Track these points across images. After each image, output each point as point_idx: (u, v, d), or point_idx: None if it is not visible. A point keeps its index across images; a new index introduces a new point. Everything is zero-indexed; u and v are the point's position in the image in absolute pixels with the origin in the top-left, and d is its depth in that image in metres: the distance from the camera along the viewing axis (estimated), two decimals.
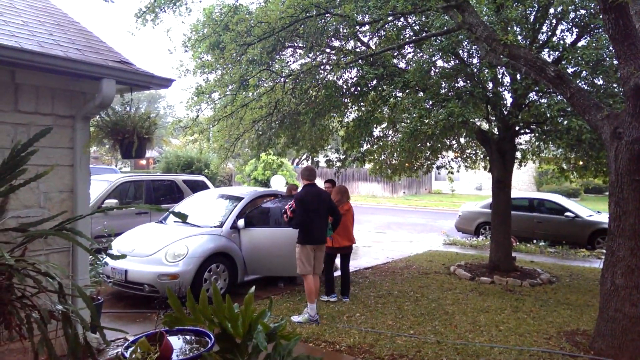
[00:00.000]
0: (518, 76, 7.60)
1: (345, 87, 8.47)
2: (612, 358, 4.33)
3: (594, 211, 11.90)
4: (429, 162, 10.93)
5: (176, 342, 2.97)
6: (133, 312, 5.77)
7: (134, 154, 3.85)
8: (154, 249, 6.13)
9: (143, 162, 42.56)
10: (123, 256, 3.42)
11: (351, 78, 8.51)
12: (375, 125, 8.79)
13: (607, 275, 4.53)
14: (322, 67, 7.89)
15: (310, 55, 7.97)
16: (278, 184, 16.05)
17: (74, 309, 2.79)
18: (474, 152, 10.98)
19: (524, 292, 6.97)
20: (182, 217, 3.54)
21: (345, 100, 8.66)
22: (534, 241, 11.34)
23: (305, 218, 5.58)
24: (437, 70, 7.93)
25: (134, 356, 2.35)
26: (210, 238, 6.44)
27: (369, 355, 4.50)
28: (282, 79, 6.82)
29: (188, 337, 3.13)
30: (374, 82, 8.21)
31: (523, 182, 28.99)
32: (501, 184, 8.17)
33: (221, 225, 6.71)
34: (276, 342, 1.51)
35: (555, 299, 6.64)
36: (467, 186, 30.74)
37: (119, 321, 5.54)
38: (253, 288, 1.73)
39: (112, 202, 8.00)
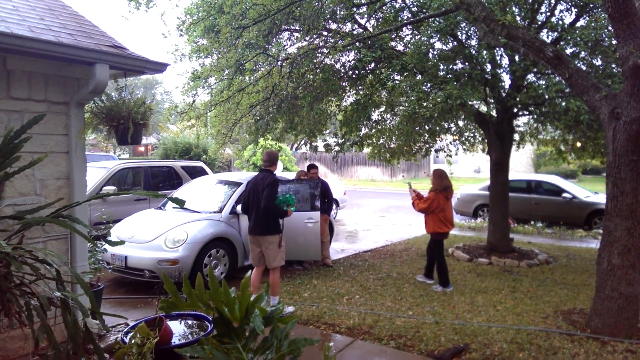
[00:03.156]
0: (516, 57, 7.54)
1: (343, 70, 8.39)
2: (608, 336, 4.38)
3: (591, 192, 11.94)
4: (427, 145, 10.92)
5: (177, 326, 3.00)
6: (134, 298, 5.82)
7: (129, 139, 3.83)
8: (153, 235, 6.15)
9: (141, 148, 42.44)
10: (121, 242, 3.42)
11: (349, 61, 8.44)
12: (373, 109, 8.75)
13: (603, 255, 4.56)
14: (319, 51, 7.81)
15: (307, 38, 7.87)
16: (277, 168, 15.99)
17: (73, 295, 2.80)
18: (472, 134, 10.96)
19: (522, 273, 7.03)
20: (180, 203, 3.53)
21: (344, 84, 8.59)
22: (532, 222, 11.40)
23: (245, 206, 5.35)
24: (435, 53, 7.85)
25: (133, 341, 2.37)
26: (209, 223, 6.45)
27: (369, 336, 4.55)
28: (279, 63, 6.74)
29: (189, 322, 3.17)
30: (372, 65, 8.15)
31: (521, 164, 28.98)
32: (499, 166, 8.17)
33: (220, 211, 6.71)
34: (273, 326, 1.51)
35: (552, 279, 6.70)
36: (466, 169, 30.75)
37: (120, 307, 5.58)
38: (249, 272, 1.74)
39: (110, 189, 7.99)
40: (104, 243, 4.99)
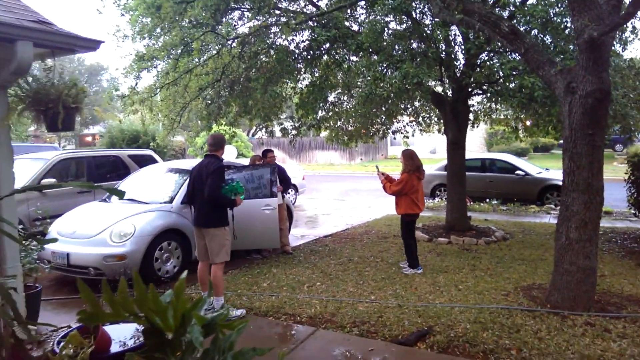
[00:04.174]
0: (470, 36, 7.49)
1: (297, 51, 8.09)
2: (567, 310, 4.42)
3: (542, 169, 12.29)
4: (384, 127, 10.86)
5: (118, 331, 2.70)
6: (77, 298, 5.37)
7: (60, 125, 3.42)
8: (97, 230, 5.71)
9: (89, 138, 40.43)
10: (54, 240, 3.05)
11: (303, 41, 8.14)
12: (329, 91, 8.53)
13: (561, 230, 4.58)
14: (271, 30, 7.47)
15: (259, 18, 7.50)
16: (229, 154, 15.36)
17: None
18: (428, 115, 10.99)
19: (480, 251, 7.09)
20: (119, 194, 3.18)
21: (299, 65, 8.29)
22: (487, 200, 11.62)
23: (189, 196, 4.91)
24: (390, 32, 7.69)
25: (64, 352, 2.07)
26: (159, 215, 6.07)
27: (331, 325, 4.39)
28: (229, 42, 6.34)
29: (134, 325, 2.86)
30: (327, 45, 7.88)
31: (474, 144, 29.75)
32: (456, 145, 8.19)
33: (171, 201, 6.33)
34: (216, 335, 1.28)
35: (510, 255, 6.79)
36: (422, 150, 31.23)
37: (63, 308, 5.17)
38: (185, 273, 1.48)
39: (50, 181, 7.40)
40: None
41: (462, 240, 7.63)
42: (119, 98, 6.60)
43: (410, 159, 6.02)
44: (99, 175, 8.29)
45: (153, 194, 6.55)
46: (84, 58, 43.04)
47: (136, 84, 6.51)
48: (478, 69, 7.77)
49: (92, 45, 3.77)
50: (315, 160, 30.42)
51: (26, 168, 7.59)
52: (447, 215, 8.48)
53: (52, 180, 7.43)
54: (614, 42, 6.54)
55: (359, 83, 7.96)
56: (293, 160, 30.18)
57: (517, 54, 7.26)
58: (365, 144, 26.01)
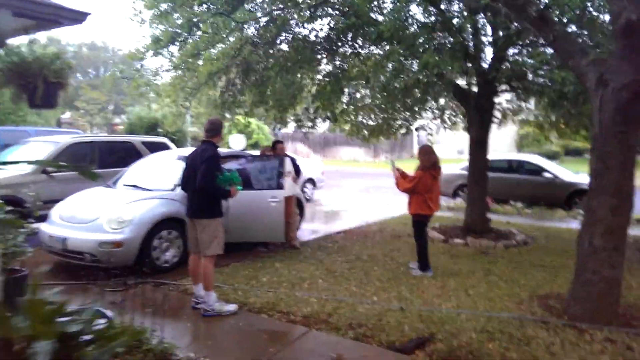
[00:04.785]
0: (500, 32, 7.01)
1: (316, 40, 7.76)
2: (587, 323, 3.99)
3: (572, 172, 11.62)
4: (407, 124, 10.45)
5: None
6: (67, 284, 5.19)
7: (39, 101, 3.24)
8: (95, 215, 5.58)
9: (121, 127, 41.24)
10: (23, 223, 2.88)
11: (321, 29, 7.80)
12: (347, 82, 8.20)
13: (585, 236, 4.15)
14: (289, 15, 7.15)
15: (279, 5, 7.21)
16: (237, 143, 14.96)
17: None
18: (454, 113, 10.51)
19: (498, 254, 6.65)
20: (93, 177, 3.04)
21: (318, 56, 7.98)
22: (512, 202, 11.06)
23: (183, 184, 4.60)
24: (412, 22, 7.29)
25: None
26: (161, 202, 5.89)
27: (326, 326, 4.10)
28: (240, 26, 6.04)
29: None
30: (346, 33, 7.54)
31: (504, 145, 28.77)
32: (478, 144, 7.74)
33: (175, 189, 6.14)
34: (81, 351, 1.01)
35: (529, 260, 6.33)
36: (450, 150, 30.43)
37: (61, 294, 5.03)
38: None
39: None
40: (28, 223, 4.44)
41: (479, 242, 7.20)
42: (124, 81, 6.44)
43: (427, 154, 5.64)
44: (111, 160, 8.19)
45: (157, 181, 6.39)
46: (119, 48, 43.73)
47: (141, 66, 6.34)
48: (506, 63, 7.30)
49: (78, 17, 3.55)
50: (339, 156, 30.10)
51: (36, 151, 7.57)
52: (466, 216, 8.04)
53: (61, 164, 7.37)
54: None
55: (377, 74, 7.58)
56: (317, 155, 29.94)
57: (548, 48, 6.86)
58: (391, 141, 25.53)
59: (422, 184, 5.48)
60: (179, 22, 6.71)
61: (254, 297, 4.78)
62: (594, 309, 4.04)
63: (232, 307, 4.46)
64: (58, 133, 12.66)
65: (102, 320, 2.74)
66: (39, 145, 7.77)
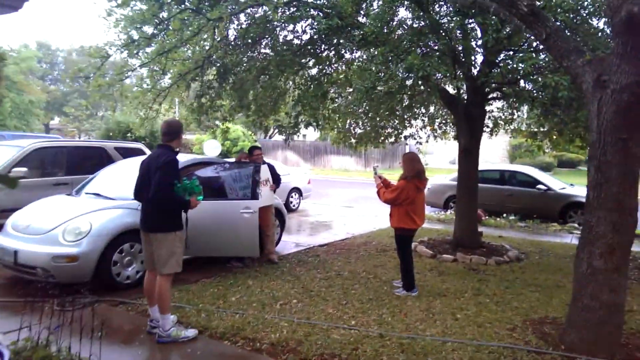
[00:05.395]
0: (490, 35, 6.65)
1: (300, 42, 7.36)
2: (585, 354, 3.57)
3: (566, 184, 11.28)
4: (396, 132, 10.08)
5: None
6: (16, 302, 4.68)
7: None
8: (51, 226, 5.09)
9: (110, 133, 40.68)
10: None
11: (304, 31, 7.41)
12: (330, 86, 7.81)
13: (582, 256, 3.73)
14: (266, 14, 6.75)
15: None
16: (212, 150, 14.35)
17: None
18: (444, 121, 10.16)
19: (489, 272, 6.22)
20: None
21: (302, 60, 7.58)
22: (504, 215, 10.68)
23: (136, 193, 4.14)
24: (398, 20, 6.93)
25: None
26: (124, 212, 5.40)
27: (294, 356, 3.63)
28: (215, 24, 5.60)
29: None
30: (328, 35, 7.15)
31: (497, 156, 28.52)
32: (467, 153, 7.33)
33: None
34: None
35: (522, 279, 5.90)
36: (441, 160, 30.16)
37: (2, 312, 4.53)
38: None
39: (22, 170, 6.87)
40: None
41: (469, 258, 6.77)
42: (84, 80, 5.97)
43: (410, 162, 5.18)
44: (80, 166, 7.73)
45: (122, 189, 5.89)
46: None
47: (102, 64, 5.87)
48: (497, 69, 6.94)
49: (14, 4, 3.14)
50: (330, 165, 29.70)
51: None
52: (455, 230, 7.61)
53: (24, 169, 6.89)
54: None
55: (360, 77, 7.20)
56: (307, 164, 29.54)
57: (541, 53, 6.52)
58: (383, 150, 25.18)
59: (405, 195, 5.03)
60: (145, 14, 6.22)
61: (217, 320, 4.30)
62: (594, 339, 3.61)
63: (190, 333, 3.98)
64: (35, 137, 12.16)
65: None
66: (2, 150, 7.29)
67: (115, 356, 3.59)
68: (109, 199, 5.68)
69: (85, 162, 7.84)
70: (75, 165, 7.73)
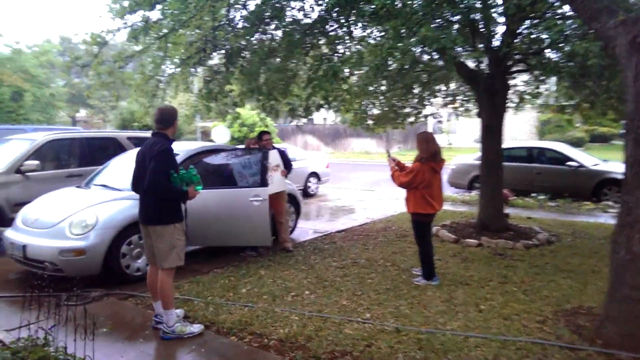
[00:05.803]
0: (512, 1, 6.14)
1: (307, 20, 7.02)
2: (626, 351, 3.21)
3: (600, 159, 10.64)
4: (416, 112, 9.65)
5: None
6: (15, 297, 4.58)
7: None
8: (58, 219, 4.99)
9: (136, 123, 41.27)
10: None
11: (311, 8, 7.05)
12: (342, 64, 7.44)
13: (620, 240, 3.35)
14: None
15: None
16: (220, 136, 14.04)
17: None
18: (466, 98, 9.66)
19: (517, 257, 5.84)
20: None
21: (313, 40, 7.25)
22: (533, 194, 10.17)
23: (133, 184, 3.88)
24: None
25: None
26: (132, 204, 5.18)
27: (303, 353, 3.40)
28: (211, 1, 5.29)
29: None
30: (339, 13, 6.78)
31: (524, 132, 27.51)
32: (490, 130, 6.89)
33: None
34: None
35: (553, 264, 5.51)
36: (466, 140, 29.34)
37: (11, 307, 4.46)
38: None
39: (34, 163, 6.82)
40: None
41: (495, 242, 6.39)
42: (80, 68, 5.79)
43: (426, 142, 4.81)
44: (93, 157, 7.64)
45: (129, 180, 5.75)
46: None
47: (99, 52, 5.67)
48: (519, 39, 6.44)
49: None
50: (350, 148, 29.31)
51: (11, 149, 7.06)
52: (479, 212, 7.22)
53: (35, 163, 6.84)
54: None
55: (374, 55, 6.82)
56: (328, 148, 29.22)
57: (568, 20, 5.99)
58: (404, 132, 24.55)
59: (420, 177, 4.69)
60: None
61: (225, 314, 4.11)
62: (634, 333, 3.25)
63: (196, 329, 3.80)
64: (54, 130, 12.21)
65: None
66: (15, 143, 7.26)
67: (116, 355, 3.44)
68: (116, 190, 5.55)
69: (99, 153, 7.75)
70: (88, 156, 7.65)
